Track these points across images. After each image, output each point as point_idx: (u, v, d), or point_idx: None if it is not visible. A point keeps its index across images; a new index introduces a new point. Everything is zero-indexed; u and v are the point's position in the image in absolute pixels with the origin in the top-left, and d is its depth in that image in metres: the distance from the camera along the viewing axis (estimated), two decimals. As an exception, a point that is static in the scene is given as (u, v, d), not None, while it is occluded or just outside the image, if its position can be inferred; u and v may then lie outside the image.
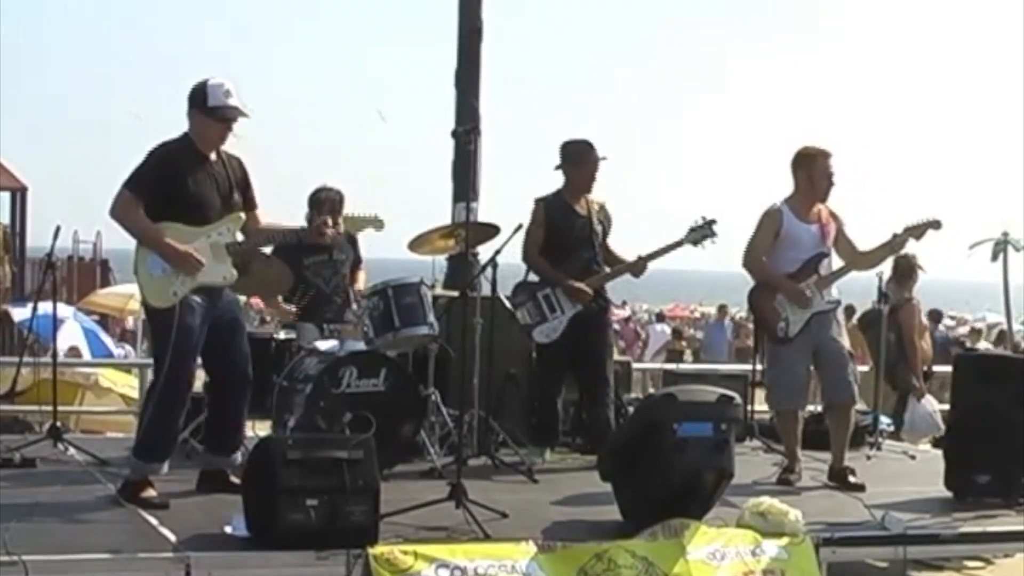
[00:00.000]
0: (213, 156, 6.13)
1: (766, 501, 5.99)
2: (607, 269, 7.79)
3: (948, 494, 7.04)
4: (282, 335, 7.80)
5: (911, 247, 7.55)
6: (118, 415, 11.89)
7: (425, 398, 7.46)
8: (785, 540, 5.80)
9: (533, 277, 7.74)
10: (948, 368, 10.81)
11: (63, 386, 8.95)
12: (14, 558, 4.74)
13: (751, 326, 12.87)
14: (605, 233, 7.79)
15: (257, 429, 7.58)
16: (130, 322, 22.95)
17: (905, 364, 9.68)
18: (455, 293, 7.70)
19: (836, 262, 7.42)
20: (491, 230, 7.65)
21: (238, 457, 6.34)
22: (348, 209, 7.60)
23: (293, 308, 7.68)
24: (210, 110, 6.03)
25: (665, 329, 24.49)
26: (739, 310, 22.85)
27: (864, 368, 9.18)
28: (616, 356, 8.81)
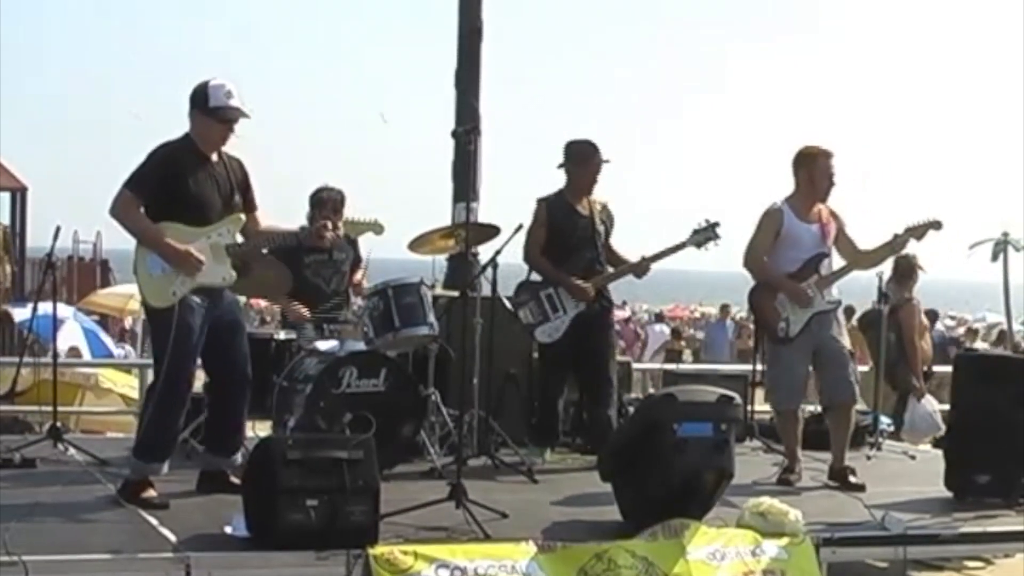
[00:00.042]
0: (214, 157, 6.13)
1: (766, 501, 5.99)
2: (610, 269, 7.79)
3: (948, 494, 7.03)
4: (282, 335, 7.80)
5: (912, 247, 7.55)
6: (118, 415, 11.89)
7: (425, 398, 7.46)
8: (785, 540, 5.80)
9: (536, 277, 7.74)
10: (946, 368, 10.87)
11: (63, 386, 8.95)
12: (14, 558, 4.74)
13: (753, 327, 12.86)
14: (607, 233, 7.79)
15: (257, 429, 7.57)
16: (128, 322, 22.93)
17: (905, 364, 9.68)
18: (455, 293, 7.70)
19: (837, 262, 7.42)
20: (491, 230, 7.64)
21: (238, 458, 6.34)
22: (349, 210, 7.61)
23: (306, 312, 7.67)
24: (211, 111, 6.03)
25: (664, 329, 24.50)
26: (739, 310, 22.84)
27: (864, 368, 9.17)
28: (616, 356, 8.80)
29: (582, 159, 7.70)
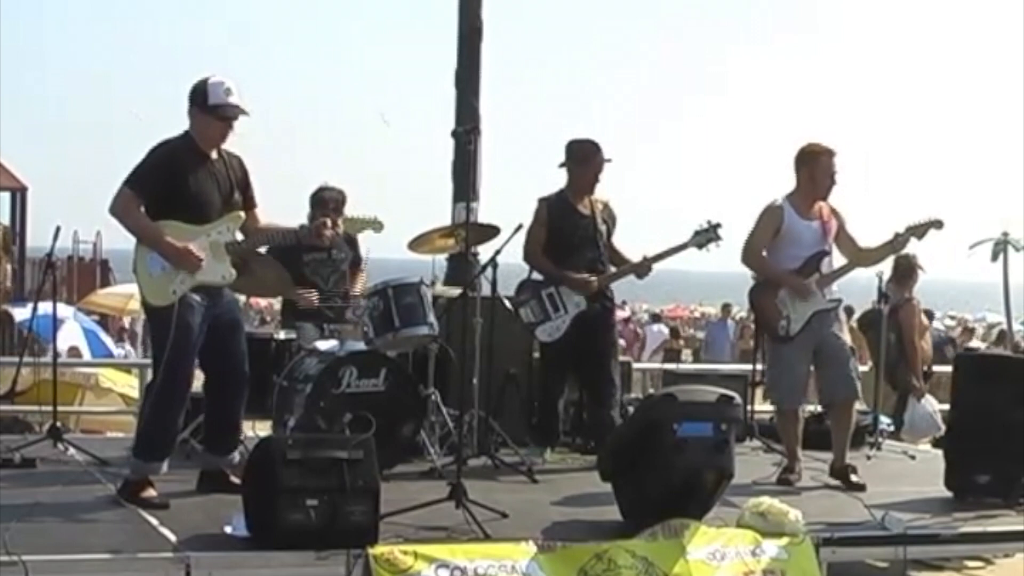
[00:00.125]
0: (214, 155, 6.12)
1: (766, 501, 5.99)
2: (612, 269, 7.79)
3: (948, 494, 7.03)
4: (282, 335, 7.81)
5: (912, 247, 7.54)
6: (118, 415, 11.90)
7: (425, 398, 7.46)
8: (785, 540, 5.79)
9: (537, 276, 7.73)
10: (943, 368, 10.88)
11: (63, 386, 8.95)
12: (14, 558, 4.74)
13: (753, 326, 12.86)
14: (609, 232, 7.78)
15: (257, 429, 7.58)
16: (127, 321, 22.93)
17: (905, 364, 9.68)
18: (455, 292, 7.69)
19: (837, 260, 7.41)
20: (491, 230, 7.64)
21: (236, 456, 6.34)
22: (349, 210, 7.60)
23: (314, 294, 7.68)
24: (211, 108, 6.02)
25: (662, 329, 24.50)
26: (740, 310, 22.83)
27: (864, 368, 9.17)
28: (616, 357, 8.79)
29: (583, 158, 7.69)
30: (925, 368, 10.10)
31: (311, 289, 7.72)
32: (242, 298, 8.32)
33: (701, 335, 26.31)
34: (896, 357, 9.56)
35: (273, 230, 6.39)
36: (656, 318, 27.30)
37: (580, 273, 7.60)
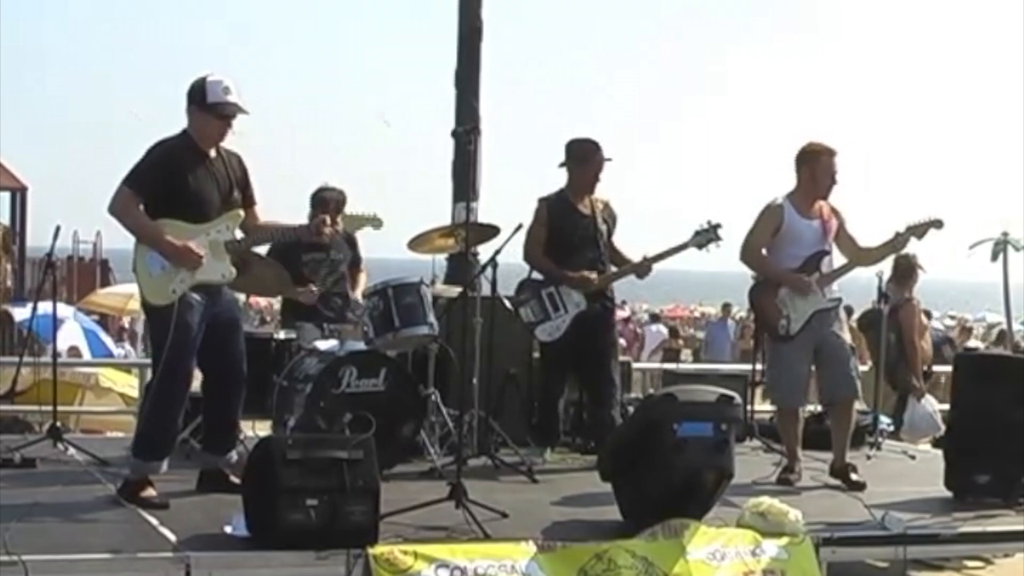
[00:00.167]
0: (212, 153, 6.11)
1: (766, 501, 5.99)
2: (613, 268, 7.79)
3: (948, 494, 7.03)
4: (282, 335, 7.80)
5: (912, 246, 7.53)
6: (118, 415, 11.90)
7: (425, 398, 7.46)
8: (785, 540, 5.79)
9: (537, 275, 7.73)
10: (941, 367, 10.89)
11: (63, 386, 8.95)
12: (14, 558, 4.74)
13: (753, 326, 12.85)
14: (610, 232, 7.78)
15: (257, 429, 7.58)
16: (127, 321, 22.94)
17: (905, 364, 9.68)
18: (455, 291, 7.69)
19: (837, 259, 7.41)
20: (491, 230, 7.63)
21: (234, 455, 6.34)
22: (349, 209, 7.59)
23: (315, 288, 7.68)
24: (209, 106, 6.01)
25: (661, 329, 24.50)
26: (740, 309, 22.83)
27: (864, 368, 9.17)
28: (616, 357, 8.79)
29: (584, 157, 7.68)
30: (925, 368, 10.10)
31: (310, 288, 7.72)
32: (242, 297, 8.31)
33: (701, 335, 26.30)
34: (896, 357, 9.56)
35: (273, 227, 6.38)
36: (655, 318, 27.30)
37: (581, 271, 7.60)
